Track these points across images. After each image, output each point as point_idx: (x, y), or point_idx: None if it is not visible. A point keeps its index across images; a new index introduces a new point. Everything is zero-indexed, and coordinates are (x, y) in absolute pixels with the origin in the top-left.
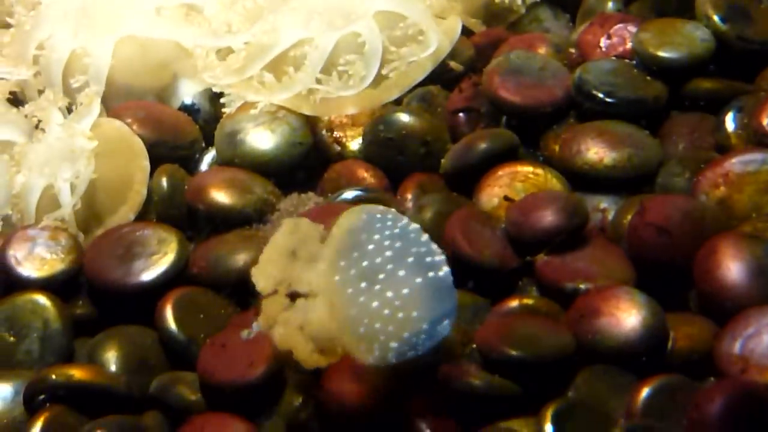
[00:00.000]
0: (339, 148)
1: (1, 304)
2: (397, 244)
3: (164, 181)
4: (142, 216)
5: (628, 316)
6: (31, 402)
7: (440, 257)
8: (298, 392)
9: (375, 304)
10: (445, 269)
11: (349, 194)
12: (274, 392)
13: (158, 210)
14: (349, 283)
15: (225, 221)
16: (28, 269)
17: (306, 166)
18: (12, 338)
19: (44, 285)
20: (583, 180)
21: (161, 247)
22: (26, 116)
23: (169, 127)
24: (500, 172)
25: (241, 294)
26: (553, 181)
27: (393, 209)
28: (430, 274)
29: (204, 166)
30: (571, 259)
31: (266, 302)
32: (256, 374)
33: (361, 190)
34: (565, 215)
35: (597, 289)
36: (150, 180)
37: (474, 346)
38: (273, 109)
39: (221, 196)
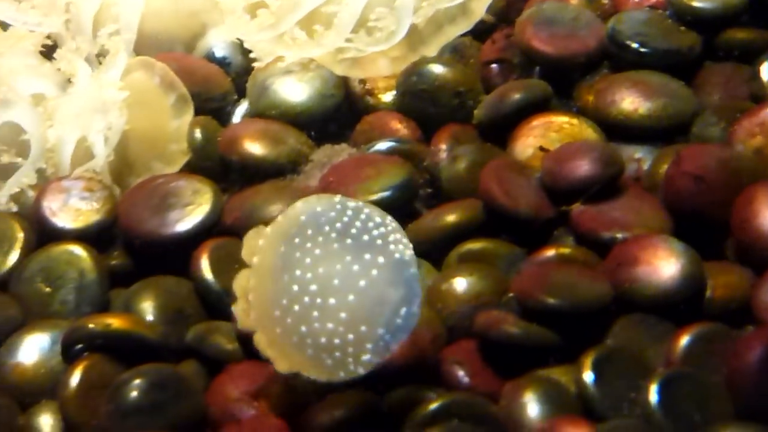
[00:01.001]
0: (371, 100)
1: (36, 255)
2: (327, 256)
3: (198, 133)
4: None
5: (665, 265)
6: (68, 351)
7: (381, 245)
8: None
9: (322, 325)
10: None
11: (383, 145)
12: None
13: (192, 162)
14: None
15: (258, 172)
16: (63, 220)
17: (338, 117)
18: (48, 289)
19: (79, 236)
20: (618, 130)
21: (196, 198)
22: (58, 69)
23: (201, 79)
24: (535, 122)
25: None
26: (588, 131)
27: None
28: (374, 272)
29: (236, 118)
30: (607, 208)
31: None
32: None
33: (394, 141)
34: (600, 165)
35: (634, 238)
36: None
37: (510, 295)
38: (305, 61)
39: (255, 147)
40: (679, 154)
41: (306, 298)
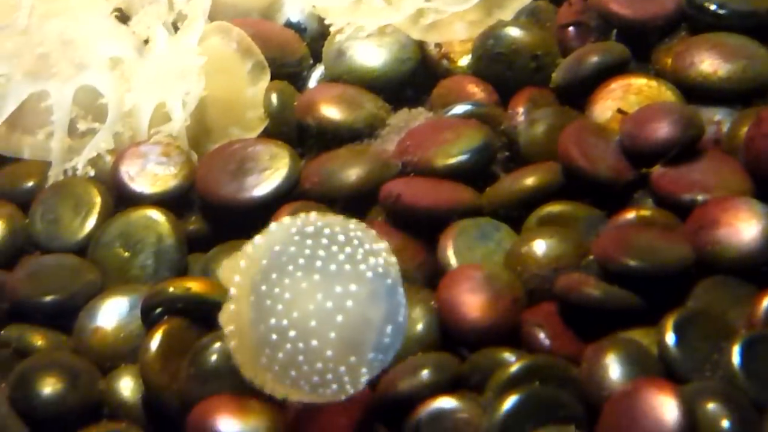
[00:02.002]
0: (447, 64)
1: (114, 220)
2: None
3: (274, 99)
4: None
5: (747, 226)
6: (148, 315)
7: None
8: (414, 304)
9: (311, 367)
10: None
11: (460, 109)
12: None
13: (268, 127)
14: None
15: (335, 137)
16: (141, 185)
17: (414, 82)
18: (126, 253)
19: (157, 201)
20: (697, 92)
21: (273, 163)
22: (134, 33)
23: (277, 44)
24: (613, 85)
25: (353, 208)
26: (667, 94)
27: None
28: (349, 303)
29: (312, 83)
30: (687, 170)
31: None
32: None
33: (471, 105)
34: (680, 127)
35: (715, 200)
36: None
37: (591, 257)
38: (382, 25)
39: (332, 112)
40: (760, 116)
41: (288, 345)
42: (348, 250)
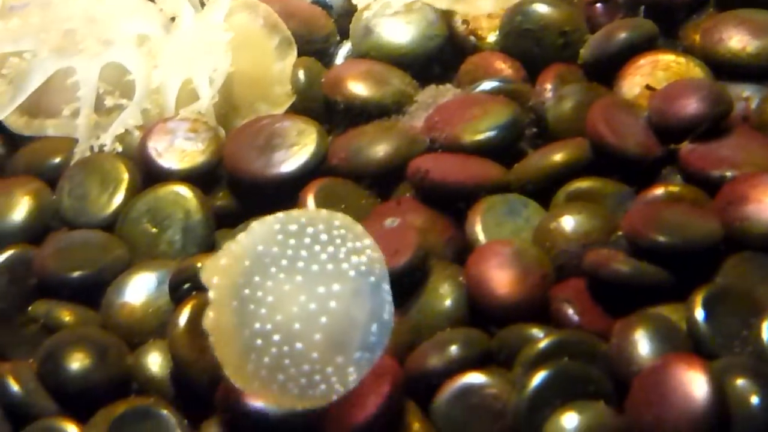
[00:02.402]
0: (475, 41)
1: (142, 196)
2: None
3: (301, 75)
4: None
5: None
6: (176, 290)
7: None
8: (443, 280)
9: (298, 369)
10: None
11: (487, 85)
12: (418, 279)
13: (296, 103)
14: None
15: (363, 113)
16: (169, 161)
17: (442, 58)
18: (154, 229)
19: (185, 177)
20: (725, 68)
21: (301, 139)
22: (160, 9)
23: (304, 20)
24: (641, 61)
25: (381, 184)
26: (695, 70)
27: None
28: (333, 304)
29: (339, 59)
30: (716, 146)
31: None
32: (401, 262)
33: (498, 81)
34: (709, 103)
35: (744, 176)
36: None
37: (619, 233)
38: (409, 1)
39: (359, 88)
40: None
41: (273, 350)
42: (330, 249)
